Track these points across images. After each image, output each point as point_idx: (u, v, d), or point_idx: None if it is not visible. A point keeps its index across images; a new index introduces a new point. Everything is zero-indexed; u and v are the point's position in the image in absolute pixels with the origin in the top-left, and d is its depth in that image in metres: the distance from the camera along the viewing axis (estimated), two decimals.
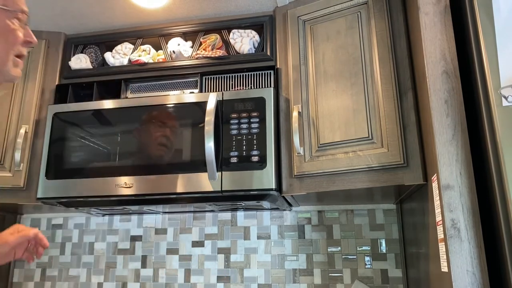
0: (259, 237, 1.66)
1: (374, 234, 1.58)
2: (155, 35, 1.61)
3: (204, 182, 1.28)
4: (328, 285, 1.56)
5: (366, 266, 1.55)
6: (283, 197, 1.34)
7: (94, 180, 1.37)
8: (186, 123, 1.34)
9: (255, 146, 1.28)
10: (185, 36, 1.59)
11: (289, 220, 1.65)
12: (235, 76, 1.51)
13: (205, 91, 1.51)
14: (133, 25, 1.63)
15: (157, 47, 1.60)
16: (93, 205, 1.49)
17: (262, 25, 1.51)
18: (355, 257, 1.57)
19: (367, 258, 1.56)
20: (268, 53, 1.45)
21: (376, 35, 1.23)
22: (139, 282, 1.71)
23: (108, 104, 1.44)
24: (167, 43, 1.58)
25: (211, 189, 1.27)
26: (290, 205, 1.56)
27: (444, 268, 0.88)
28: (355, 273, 1.55)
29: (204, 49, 1.51)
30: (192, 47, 1.56)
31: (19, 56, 0.74)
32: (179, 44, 1.55)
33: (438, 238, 0.92)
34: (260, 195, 1.30)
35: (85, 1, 1.48)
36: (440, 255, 0.91)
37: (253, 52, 1.49)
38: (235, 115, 1.32)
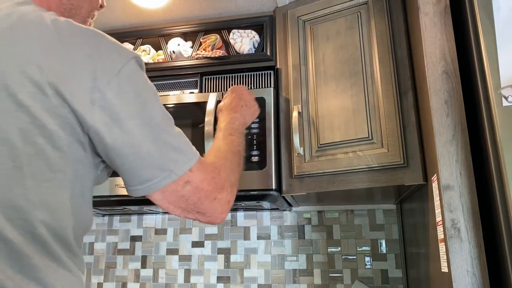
0: (259, 237, 1.66)
1: (374, 234, 1.57)
2: (155, 35, 1.61)
3: None
4: (328, 285, 1.56)
5: (366, 267, 1.55)
6: (283, 197, 1.34)
7: None
8: (186, 123, 1.34)
9: (255, 146, 1.28)
10: (185, 36, 1.59)
11: (289, 220, 1.65)
12: (235, 76, 1.51)
13: (205, 91, 1.51)
14: (133, 25, 1.63)
15: (157, 47, 1.60)
16: (93, 205, 1.48)
17: (262, 25, 1.51)
18: (355, 257, 1.57)
19: (367, 259, 1.56)
20: (268, 53, 1.45)
21: (376, 35, 1.23)
22: (139, 282, 1.71)
23: None
24: (167, 43, 1.58)
25: None
26: (290, 205, 1.56)
27: (444, 269, 0.88)
28: (355, 273, 1.55)
29: (204, 49, 1.51)
30: (192, 47, 1.56)
31: (92, 18, 0.80)
32: (179, 44, 1.56)
33: (438, 238, 0.92)
34: (260, 195, 1.30)
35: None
36: (440, 255, 0.91)
37: (253, 52, 1.49)
38: None
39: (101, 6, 0.82)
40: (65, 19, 0.63)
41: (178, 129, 0.68)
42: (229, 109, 0.98)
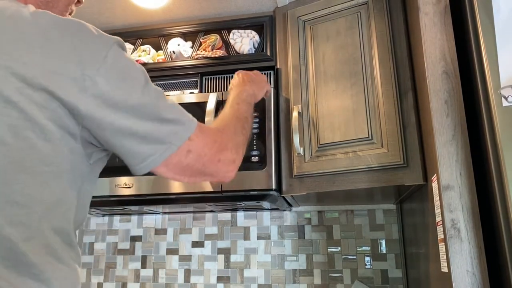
0: (259, 237, 1.66)
1: (374, 234, 1.57)
2: (155, 35, 1.61)
3: (204, 182, 1.28)
4: (328, 285, 1.56)
5: (366, 267, 1.55)
6: (283, 197, 1.34)
7: None
8: None
9: (255, 146, 1.28)
10: (185, 36, 1.59)
11: (289, 220, 1.65)
12: None
13: (205, 91, 1.51)
14: (133, 25, 1.63)
15: (157, 47, 1.60)
16: (93, 205, 1.48)
17: (262, 25, 1.51)
18: (355, 257, 1.57)
19: (367, 259, 1.56)
20: (268, 53, 1.45)
21: (376, 35, 1.23)
22: (139, 282, 1.71)
23: None
24: (167, 43, 1.58)
25: (211, 189, 1.27)
26: (290, 205, 1.56)
27: (444, 269, 0.88)
28: (355, 273, 1.55)
29: (204, 49, 1.51)
30: (192, 47, 1.56)
31: (70, 14, 0.80)
32: (179, 44, 1.56)
33: (438, 238, 0.92)
34: (260, 195, 1.30)
35: (85, 1, 1.48)
36: (440, 256, 0.91)
37: (253, 52, 1.49)
38: None
39: (79, 1, 0.82)
40: (43, 11, 0.63)
41: (171, 100, 0.69)
42: (237, 85, 1.02)
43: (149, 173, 1.35)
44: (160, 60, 1.57)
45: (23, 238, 0.56)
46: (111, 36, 0.66)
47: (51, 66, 0.58)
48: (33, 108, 0.56)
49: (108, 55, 0.62)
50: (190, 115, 0.71)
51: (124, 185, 1.34)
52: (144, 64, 1.54)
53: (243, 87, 0.99)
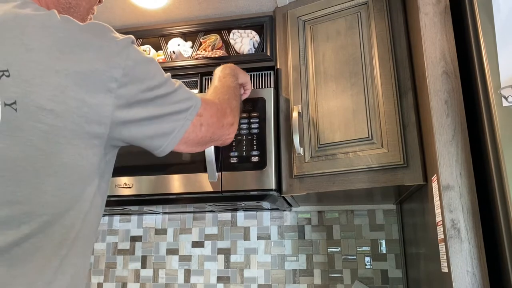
0: (259, 238, 1.66)
1: (374, 234, 1.57)
2: (155, 36, 1.61)
3: (204, 182, 1.28)
4: (328, 285, 1.56)
5: (366, 267, 1.55)
6: (283, 197, 1.34)
7: None
8: None
9: (255, 147, 1.28)
10: (185, 36, 1.59)
11: (289, 220, 1.65)
12: None
13: (205, 92, 1.51)
14: (133, 25, 1.63)
15: (157, 48, 1.60)
16: None
17: (262, 25, 1.51)
18: (355, 257, 1.57)
19: (367, 259, 1.56)
20: (268, 54, 1.45)
21: (376, 35, 1.23)
22: (139, 282, 1.71)
23: None
24: (167, 44, 1.58)
25: (211, 190, 1.27)
26: (290, 205, 1.56)
27: (444, 269, 0.88)
28: (355, 273, 1.55)
29: (204, 50, 1.51)
30: (192, 47, 1.56)
31: (92, 13, 0.84)
32: (179, 45, 1.55)
33: (438, 238, 0.92)
34: (260, 196, 1.30)
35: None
36: (440, 256, 0.91)
37: (253, 52, 1.49)
38: None
39: (100, 1, 0.84)
40: (68, 17, 0.65)
41: (178, 82, 0.77)
42: (221, 71, 1.09)
43: (149, 173, 1.35)
44: (160, 60, 1.57)
45: (51, 238, 0.59)
46: (125, 36, 0.70)
47: (81, 71, 0.61)
48: (65, 115, 0.60)
49: (129, 54, 0.67)
50: (194, 93, 0.79)
51: (124, 185, 1.34)
52: None
53: (226, 71, 1.09)
